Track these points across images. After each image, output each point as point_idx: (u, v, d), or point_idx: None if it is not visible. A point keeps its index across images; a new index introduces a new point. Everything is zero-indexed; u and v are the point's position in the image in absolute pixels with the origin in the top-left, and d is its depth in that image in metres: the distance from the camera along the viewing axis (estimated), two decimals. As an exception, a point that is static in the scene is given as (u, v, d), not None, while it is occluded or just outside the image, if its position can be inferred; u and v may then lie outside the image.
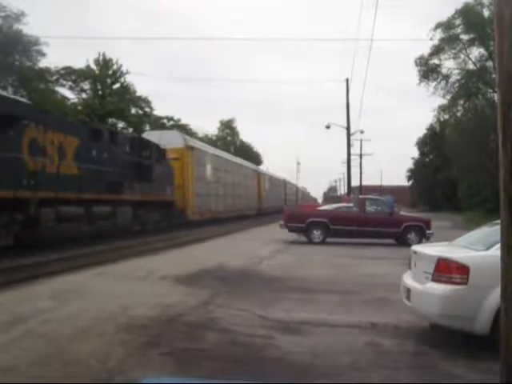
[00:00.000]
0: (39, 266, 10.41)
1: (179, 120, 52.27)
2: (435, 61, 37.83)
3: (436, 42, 36.25)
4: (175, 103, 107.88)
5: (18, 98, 18.33)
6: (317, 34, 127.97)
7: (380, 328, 6.01)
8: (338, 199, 54.25)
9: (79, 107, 40.73)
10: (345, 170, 42.44)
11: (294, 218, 18.33)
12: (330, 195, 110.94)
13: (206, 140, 54.33)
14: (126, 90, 44.71)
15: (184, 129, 49.27)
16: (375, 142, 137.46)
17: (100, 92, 43.47)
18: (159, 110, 49.75)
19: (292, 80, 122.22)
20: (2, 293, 7.53)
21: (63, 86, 40.87)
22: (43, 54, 32.72)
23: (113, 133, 18.14)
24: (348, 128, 34.02)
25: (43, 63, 34.12)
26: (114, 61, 43.53)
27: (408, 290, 5.62)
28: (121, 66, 43.73)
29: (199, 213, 26.12)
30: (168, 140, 23.69)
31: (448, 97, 39.12)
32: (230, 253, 14.12)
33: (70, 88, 41.83)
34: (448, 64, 37.81)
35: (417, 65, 38.32)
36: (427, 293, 5.20)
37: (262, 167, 63.11)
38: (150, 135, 24.00)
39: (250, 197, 40.73)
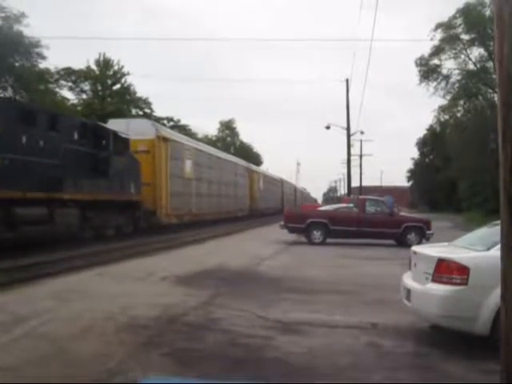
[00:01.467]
0: (40, 267, 10.41)
1: (179, 120, 52.37)
2: (435, 61, 37.97)
3: (436, 42, 36.35)
4: (175, 103, 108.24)
5: None
6: (317, 34, 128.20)
7: (380, 328, 6.01)
8: (338, 200, 54.25)
9: (79, 108, 40.74)
10: (345, 170, 42.48)
11: (294, 219, 18.34)
12: (330, 196, 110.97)
13: (206, 140, 54.28)
14: (127, 90, 44.74)
15: (184, 129, 49.28)
16: (375, 142, 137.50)
17: (100, 93, 43.51)
18: (159, 110, 49.86)
19: (292, 80, 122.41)
20: (3, 293, 7.53)
21: (63, 86, 40.93)
22: (43, 57, 32.72)
23: (54, 116, 14.53)
24: (348, 128, 34.05)
25: (43, 65, 34.15)
26: (115, 62, 43.66)
27: (408, 291, 5.62)
28: (122, 66, 43.86)
29: (176, 215, 22.41)
30: (137, 129, 20.12)
31: (448, 97, 39.25)
32: (229, 253, 14.12)
33: (70, 89, 41.89)
34: (448, 64, 37.94)
35: (417, 65, 38.44)
36: (427, 293, 5.21)
37: (262, 167, 62.94)
38: (116, 124, 20.09)
39: (241, 196, 36.75)
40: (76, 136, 15.16)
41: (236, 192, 35.42)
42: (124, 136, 18.20)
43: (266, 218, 38.70)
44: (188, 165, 24.75)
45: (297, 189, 74.82)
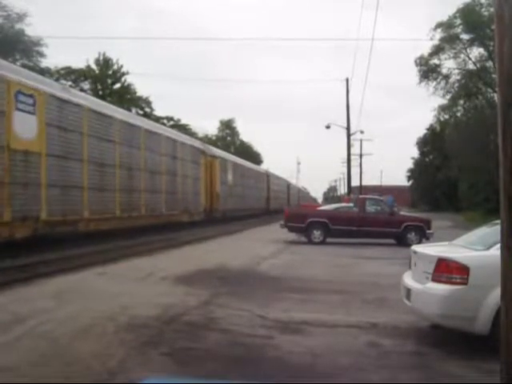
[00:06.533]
0: (40, 266, 10.40)
1: (179, 120, 52.37)
2: (435, 61, 37.91)
3: (436, 41, 36.32)
4: (175, 103, 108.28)
5: None
6: (317, 34, 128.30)
7: (380, 328, 6.00)
8: (338, 199, 54.22)
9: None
10: (345, 169, 42.49)
11: (294, 218, 18.35)
12: (330, 195, 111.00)
13: (206, 140, 54.24)
14: (127, 90, 44.72)
15: (184, 129, 49.26)
16: (375, 142, 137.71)
17: (100, 92, 43.47)
18: (159, 110, 49.89)
19: (292, 80, 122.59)
20: (2, 293, 7.53)
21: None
22: (43, 55, 32.76)
23: None
24: (348, 128, 34.02)
25: (44, 64, 34.18)
26: (115, 61, 43.66)
27: (408, 290, 5.62)
28: (121, 66, 43.84)
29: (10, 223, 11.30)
30: None
31: (448, 97, 39.20)
32: (229, 253, 14.12)
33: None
34: (448, 64, 37.89)
35: (417, 65, 38.36)
36: (427, 293, 5.21)
37: (262, 167, 62.55)
38: None
39: (186, 192, 23.37)
40: None
41: (176, 186, 22.19)
42: None
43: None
44: (27, 125, 12.09)
45: (290, 186, 62.32)
